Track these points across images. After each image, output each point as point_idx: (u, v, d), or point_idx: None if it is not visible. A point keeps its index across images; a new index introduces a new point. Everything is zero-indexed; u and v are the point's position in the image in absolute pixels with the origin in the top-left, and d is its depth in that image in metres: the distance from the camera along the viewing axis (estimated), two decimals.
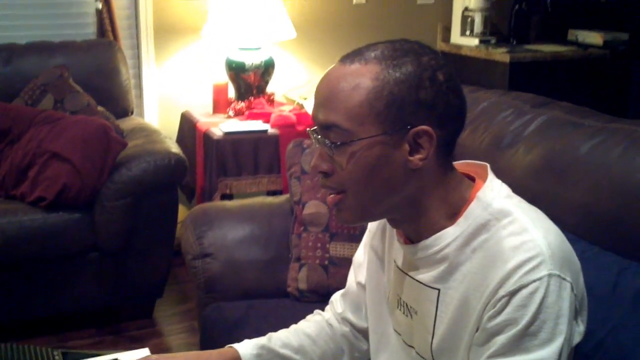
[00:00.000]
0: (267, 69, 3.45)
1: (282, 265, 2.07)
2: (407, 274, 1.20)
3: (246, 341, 1.34)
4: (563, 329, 1.01)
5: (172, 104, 3.62)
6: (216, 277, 2.07)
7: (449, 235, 1.11)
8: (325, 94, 1.09)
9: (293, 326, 1.42)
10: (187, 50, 3.62)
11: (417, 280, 1.17)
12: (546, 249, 1.03)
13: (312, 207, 2.07)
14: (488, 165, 1.17)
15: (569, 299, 1.02)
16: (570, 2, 4.13)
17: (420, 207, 1.12)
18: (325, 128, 1.09)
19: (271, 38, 3.43)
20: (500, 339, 1.02)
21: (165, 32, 3.57)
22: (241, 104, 3.40)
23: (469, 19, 3.94)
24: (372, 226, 1.37)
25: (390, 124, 1.05)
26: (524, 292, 1.00)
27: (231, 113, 3.39)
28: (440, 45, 4.09)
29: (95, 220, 2.69)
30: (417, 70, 1.06)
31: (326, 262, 2.01)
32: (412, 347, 1.21)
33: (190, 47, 3.62)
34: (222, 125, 3.19)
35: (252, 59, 3.40)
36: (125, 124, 3.19)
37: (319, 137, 1.11)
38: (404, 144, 1.06)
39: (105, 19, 3.41)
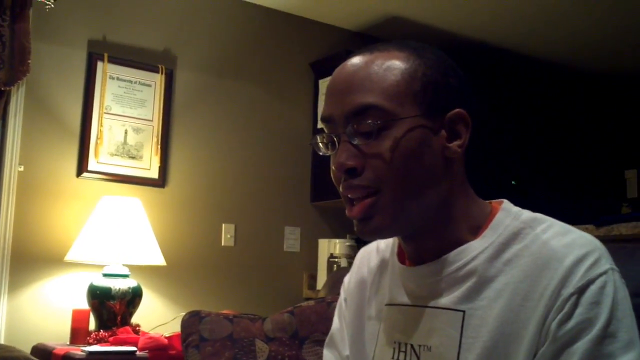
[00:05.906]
0: (133, 297, 3.25)
1: None
2: (417, 306, 1.04)
3: None
4: (637, 332, 0.90)
5: (23, 337, 3.25)
6: None
7: (475, 248, 1.00)
8: (353, 79, 0.99)
9: None
10: (46, 277, 3.37)
11: (433, 307, 1.01)
12: (600, 245, 0.95)
13: None
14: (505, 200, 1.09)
15: (630, 302, 0.93)
16: None
17: (449, 213, 1.02)
18: (360, 113, 0.97)
19: (139, 261, 3.30)
20: (578, 348, 0.88)
21: (24, 259, 3.33)
22: (104, 334, 3.12)
23: (335, 265, 4.02)
24: (347, 293, 1.21)
25: (427, 107, 0.98)
26: (593, 288, 0.90)
27: (92, 343, 3.07)
28: (306, 293, 4.08)
29: None
30: (440, 59, 1.03)
31: None
32: None
33: (50, 274, 3.37)
34: (85, 348, 2.88)
35: (118, 285, 3.21)
36: None
37: (348, 127, 0.98)
38: (441, 129, 0.99)
39: None
